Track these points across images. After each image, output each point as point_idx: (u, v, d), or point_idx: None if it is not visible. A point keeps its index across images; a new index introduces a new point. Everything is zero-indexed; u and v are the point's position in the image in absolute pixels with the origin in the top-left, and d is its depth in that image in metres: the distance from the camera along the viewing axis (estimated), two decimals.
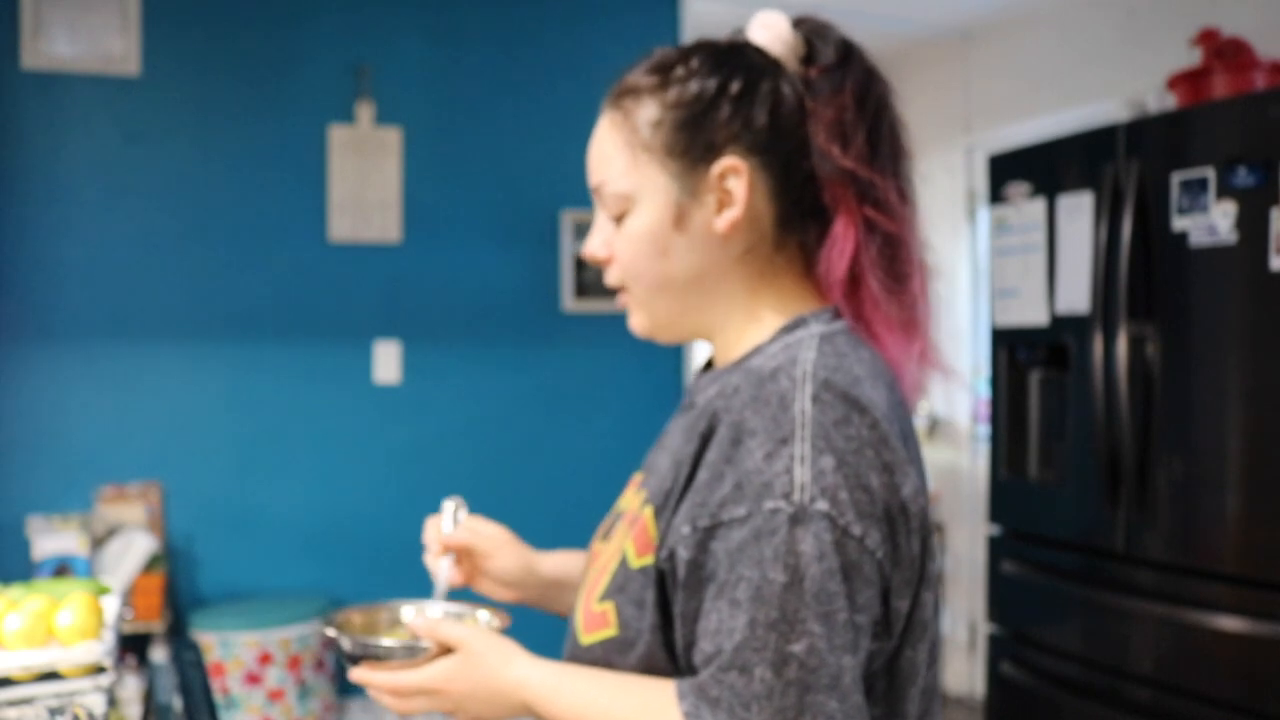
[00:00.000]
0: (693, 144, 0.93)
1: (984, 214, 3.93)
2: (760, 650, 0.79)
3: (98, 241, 3.11)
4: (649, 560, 0.90)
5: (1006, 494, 2.81)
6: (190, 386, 3.20)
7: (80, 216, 3.09)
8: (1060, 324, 2.58)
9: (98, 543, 2.96)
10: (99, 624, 1.42)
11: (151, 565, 2.98)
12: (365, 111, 3.32)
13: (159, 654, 2.93)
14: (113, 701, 1.42)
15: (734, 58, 0.94)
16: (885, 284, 0.92)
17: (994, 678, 2.81)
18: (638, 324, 1.01)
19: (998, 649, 2.79)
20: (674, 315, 0.98)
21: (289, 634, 2.99)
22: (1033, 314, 2.66)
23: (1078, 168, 2.54)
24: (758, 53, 0.95)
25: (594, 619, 0.94)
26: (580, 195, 3.56)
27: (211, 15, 3.20)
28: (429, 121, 3.41)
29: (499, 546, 1.15)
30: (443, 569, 1.13)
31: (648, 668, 0.89)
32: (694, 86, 0.93)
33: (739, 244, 0.94)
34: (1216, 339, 2.21)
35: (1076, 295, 2.52)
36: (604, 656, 0.92)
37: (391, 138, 3.36)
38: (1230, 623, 2.14)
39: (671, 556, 0.86)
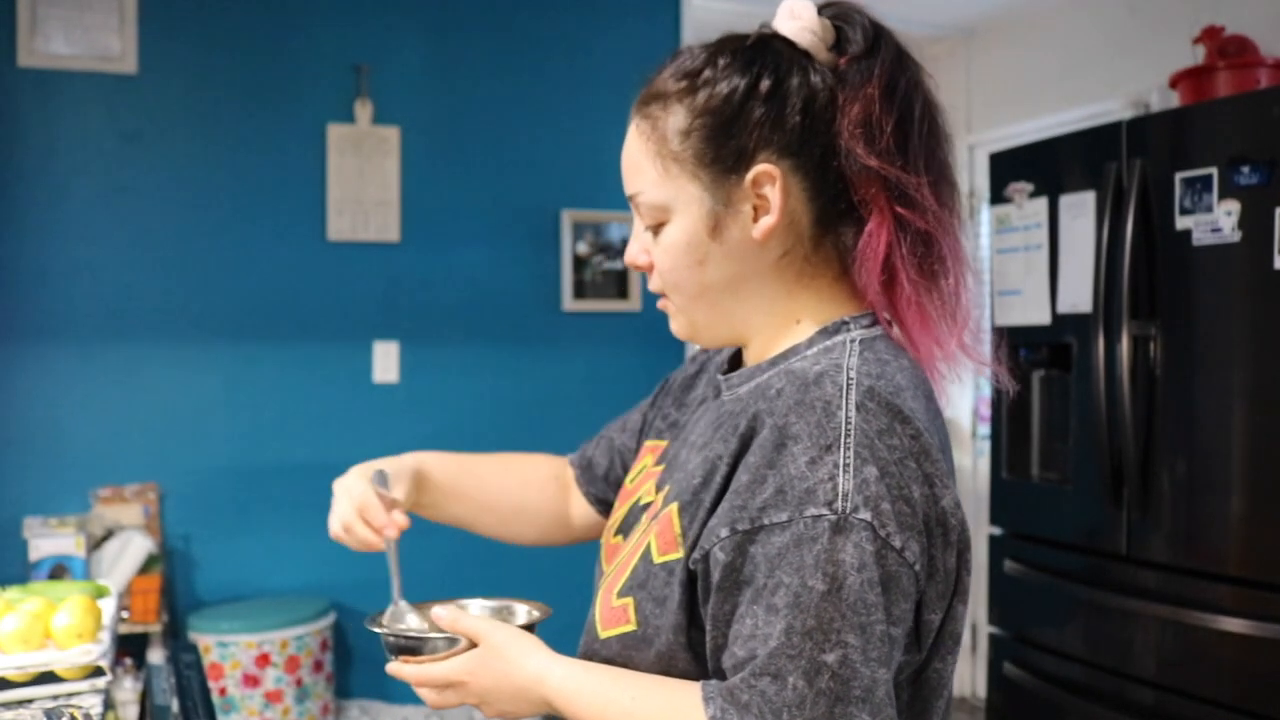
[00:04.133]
0: (724, 152, 0.90)
1: (986, 213, 3.92)
2: (795, 658, 0.78)
3: (94, 240, 3.09)
4: (673, 557, 0.89)
5: (1008, 495, 2.80)
6: (188, 387, 3.19)
7: (77, 215, 3.08)
8: (1062, 323, 2.57)
9: (95, 544, 2.95)
10: (96, 626, 1.41)
11: (149, 566, 2.97)
12: (364, 110, 3.31)
13: (156, 655, 2.91)
14: (110, 703, 1.41)
15: (762, 54, 0.91)
16: (919, 281, 0.90)
17: (996, 679, 2.80)
18: (679, 329, 1.00)
19: (1000, 650, 2.78)
20: (713, 320, 0.97)
21: (287, 635, 2.98)
22: (1035, 313, 2.65)
23: (1080, 166, 2.53)
24: (786, 45, 0.92)
25: (613, 614, 0.93)
26: (580, 195, 3.55)
27: (209, 13, 3.18)
28: (428, 120, 3.40)
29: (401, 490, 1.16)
30: (393, 549, 1.11)
31: (666, 665, 0.89)
32: (722, 89, 0.90)
33: (776, 249, 0.93)
34: (1220, 339, 2.20)
35: (1079, 294, 2.51)
36: (621, 651, 0.92)
37: (390, 137, 3.34)
38: (1233, 624, 2.13)
39: (706, 558, 0.85)
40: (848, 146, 0.88)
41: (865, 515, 0.79)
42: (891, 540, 0.80)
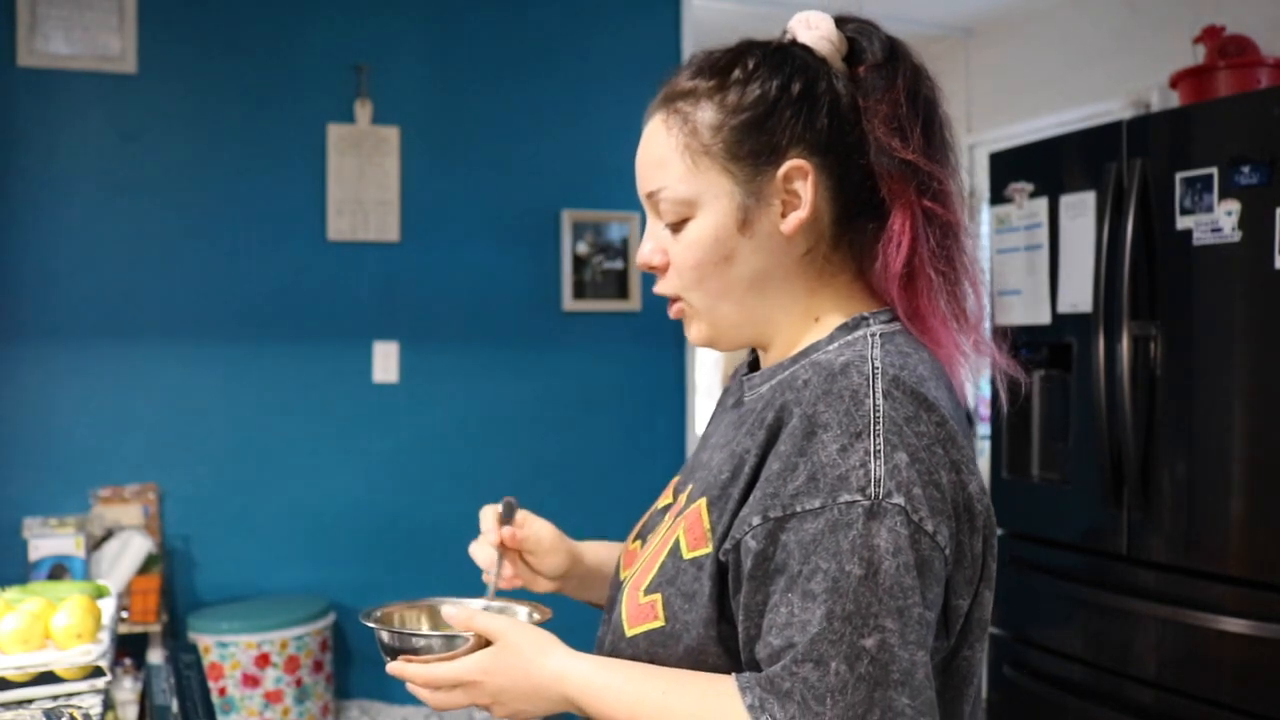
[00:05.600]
0: (757, 147, 0.92)
1: (986, 213, 3.92)
2: (836, 643, 0.79)
3: (94, 240, 3.09)
4: (704, 551, 0.90)
5: (1008, 495, 2.80)
6: (187, 387, 3.19)
7: (77, 215, 3.08)
8: (1063, 323, 2.57)
9: (94, 544, 2.95)
10: (96, 626, 1.41)
11: (148, 566, 2.96)
12: (364, 110, 3.31)
13: (156, 656, 2.91)
14: (109, 704, 1.41)
15: (788, 58, 0.94)
16: (943, 274, 0.93)
17: (996, 679, 2.80)
18: (698, 334, 1.00)
19: (1000, 651, 2.78)
20: (736, 321, 0.97)
21: (287, 635, 2.98)
22: (1035, 313, 2.65)
23: (1080, 166, 2.53)
24: (807, 52, 0.95)
25: (641, 611, 0.93)
26: (580, 195, 3.55)
27: (208, 13, 3.18)
28: (428, 120, 3.40)
29: (550, 547, 1.15)
30: (496, 565, 1.12)
31: (695, 661, 0.89)
32: (755, 89, 0.93)
33: (801, 245, 0.94)
34: (1220, 338, 2.20)
35: (1079, 294, 2.51)
36: (648, 649, 0.92)
37: (390, 137, 3.34)
38: (1233, 624, 2.13)
39: (736, 548, 0.86)
40: (883, 142, 0.91)
41: (898, 500, 0.80)
42: (924, 524, 0.81)
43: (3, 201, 3.01)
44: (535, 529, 1.15)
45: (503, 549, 1.12)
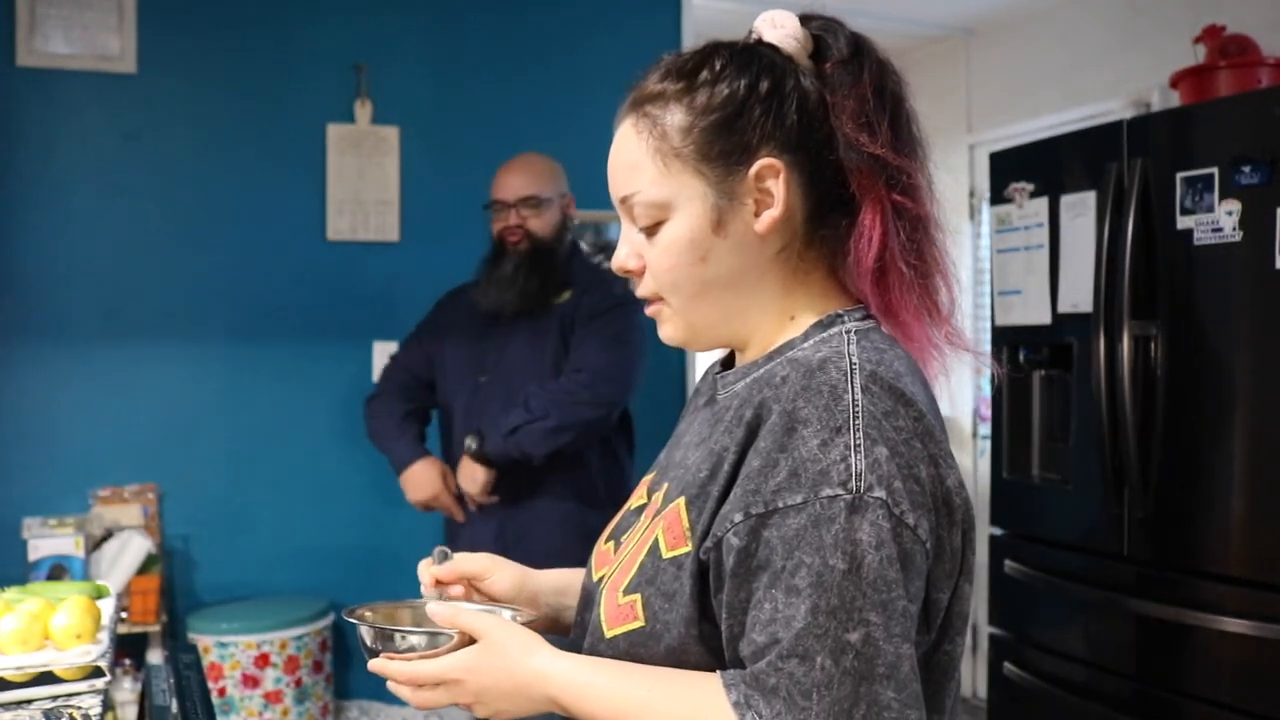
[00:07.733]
0: (728, 147, 0.92)
1: (986, 213, 3.92)
2: (821, 638, 0.79)
3: (94, 240, 3.09)
4: (683, 550, 0.89)
5: (1009, 495, 2.80)
6: (187, 387, 3.18)
7: (76, 215, 3.07)
8: (1063, 323, 2.57)
9: (94, 544, 2.94)
10: (95, 626, 1.41)
11: (148, 567, 2.96)
12: (364, 110, 3.30)
13: (155, 656, 2.91)
14: (109, 704, 1.41)
15: (755, 58, 0.94)
16: (915, 267, 0.93)
17: (996, 679, 2.79)
18: (672, 334, 1.00)
19: (1000, 650, 2.78)
20: (712, 321, 0.98)
21: (286, 636, 2.98)
22: (1035, 313, 2.65)
23: (1081, 166, 2.52)
24: (773, 51, 0.95)
25: (619, 611, 0.93)
26: (580, 195, 3.54)
27: (208, 13, 3.18)
28: (427, 120, 3.40)
29: (488, 567, 1.13)
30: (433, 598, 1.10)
31: (676, 660, 0.89)
32: (723, 90, 0.93)
33: (775, 243, 0.95)
34: (1221, 338, 2.19)
35: (1079, 294, 2.50)
36: (629, 649, 0.91)
37: (390, 137, 3.34)
38: (1234, 625, 2.13)
39: (718, 546, 0.86)
40: (852, 138, 0.91)
41: (880, 494, 0.81)
42: (905, 518, 0.81)
43: (3, 201, 3.01)
44: (468, 559, 1.13)
45: (440, 587, 1.11)
